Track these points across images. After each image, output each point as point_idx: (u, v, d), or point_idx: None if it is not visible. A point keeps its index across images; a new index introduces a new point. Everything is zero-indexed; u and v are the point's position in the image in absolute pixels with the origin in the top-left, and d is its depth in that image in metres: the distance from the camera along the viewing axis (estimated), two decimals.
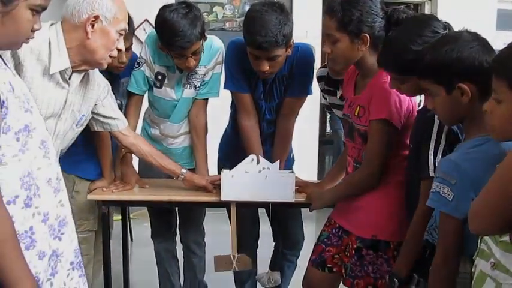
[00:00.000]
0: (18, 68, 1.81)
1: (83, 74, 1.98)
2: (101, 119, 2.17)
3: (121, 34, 1.93)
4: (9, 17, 1.37)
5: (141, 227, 3.18)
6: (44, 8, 1.50)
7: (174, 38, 2.25)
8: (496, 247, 1.28)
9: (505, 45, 1.25)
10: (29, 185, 1.40)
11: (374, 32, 1.93)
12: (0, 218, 1.25)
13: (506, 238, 1.24)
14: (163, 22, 2.28)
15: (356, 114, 2.00)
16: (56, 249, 1.50)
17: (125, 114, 2.33)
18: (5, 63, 1.43)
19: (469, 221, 1.23)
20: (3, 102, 1.31)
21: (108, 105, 2.16)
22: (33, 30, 1.47)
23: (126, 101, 2.51)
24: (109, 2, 1.86)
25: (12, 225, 1.31)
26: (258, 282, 2.82)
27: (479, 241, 1.37)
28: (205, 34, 2.37)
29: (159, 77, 2.47)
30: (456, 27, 1.73)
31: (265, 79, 2.38)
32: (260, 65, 2.23)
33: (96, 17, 1.84)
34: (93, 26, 1.85)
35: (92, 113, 2.13)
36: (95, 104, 2.11)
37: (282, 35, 2.15)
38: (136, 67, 2.45)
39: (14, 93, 1.36)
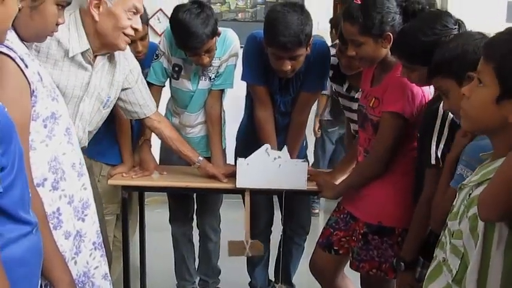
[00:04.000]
0: (41, 53, 1.86)
1: (106, 57, 2.00)
2: (129, 107, 2.20)
3: (134, 13, 1.91)
4: (37, 11, 1.46)
5: (153, 213, 3.23)
6: (69, 3, 1.58)
7: (187, 38, 2.31)
8: (448, 244, 1.30)
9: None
10: (55, 169, 1.49)
11: (395, 29, 1.96)
12: (33, 200, 1.32)
13: (455, 241, 1.27)
14: (176, 23, 2.35)
15: (371, 105, 2.06)
16: (79, 229, 1.59)
17: None
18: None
19: (478, 208, 1.22)
20: (33, 91, 1.39)
21: (138, 91, 2.18)
22: (57, 24, 1.55)
23: None
24: None
25: (43, 207, 1.39)
26: (268, 267, 2.89)
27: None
28: (218, 31, 2.41)
29: (176, 69, 2.54)
30: (466, 19, 1.80)
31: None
32: (282, 64, 2.25)
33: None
34: (99, 8, 1.86)
35: (120, 99, 2.15)
36: (126, 89, 2.13)
37: (304, 35, 2.18)
38: (155, 59, 2.52)
39: (43, 82, 1.44)
